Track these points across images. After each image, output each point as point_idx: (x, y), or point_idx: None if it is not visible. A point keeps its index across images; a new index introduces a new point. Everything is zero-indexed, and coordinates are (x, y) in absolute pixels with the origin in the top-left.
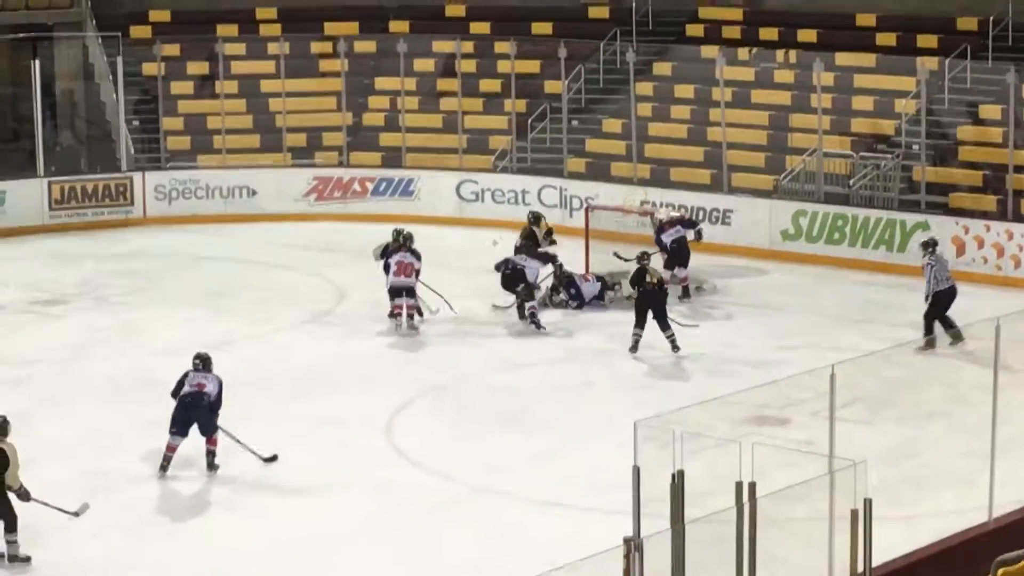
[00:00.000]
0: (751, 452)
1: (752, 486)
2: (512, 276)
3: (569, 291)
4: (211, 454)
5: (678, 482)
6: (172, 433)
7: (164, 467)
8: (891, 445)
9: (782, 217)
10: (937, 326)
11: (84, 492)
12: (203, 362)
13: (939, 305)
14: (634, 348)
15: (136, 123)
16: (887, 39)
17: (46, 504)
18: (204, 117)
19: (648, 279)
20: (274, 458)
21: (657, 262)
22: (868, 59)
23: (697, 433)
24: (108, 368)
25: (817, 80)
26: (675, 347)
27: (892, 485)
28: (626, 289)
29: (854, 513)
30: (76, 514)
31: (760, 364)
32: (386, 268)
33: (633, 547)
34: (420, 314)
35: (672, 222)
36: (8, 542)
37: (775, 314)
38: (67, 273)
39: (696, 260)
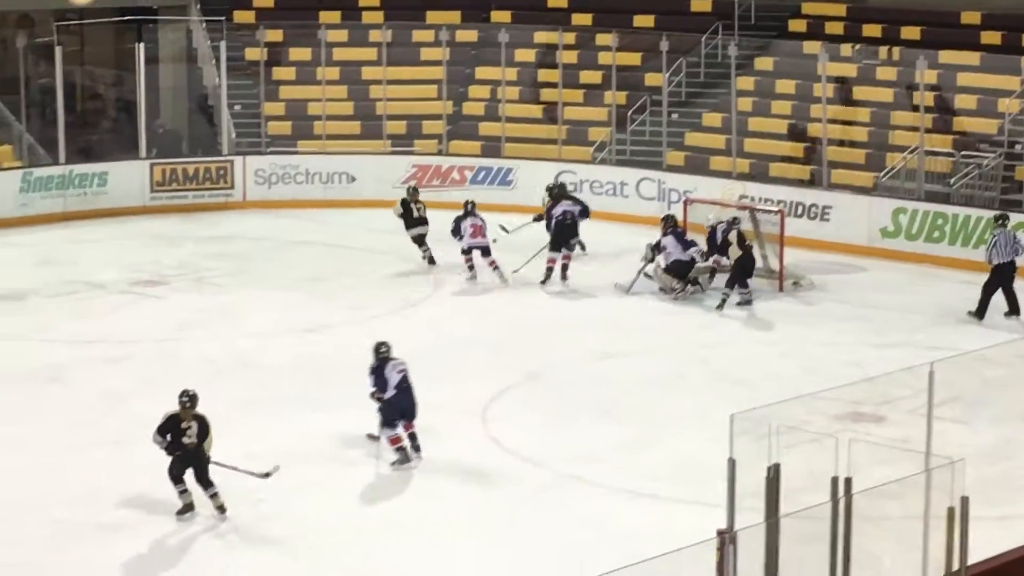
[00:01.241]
0: (847, 448)
1: (848, 482)
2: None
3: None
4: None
5: (773, 476)
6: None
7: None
8: (988, 445)
9: (881, 214)
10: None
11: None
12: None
13: (1000, 276)
14: (721, 306)
15: (238, 108)
16: (992, 37)
17: (235, 469)
18: (305, 103)
19: (747, 242)
20: (268, 475)
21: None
22: (972, 57)
23: (793, 427)
24: (205, 349)
25: (920, 78)
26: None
27: (987, 485)
28: (733, 253)
29: (950, 511)
30: (267, 475)
31: (857, 362)
32: (456, 232)
33: (727, 539)
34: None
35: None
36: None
37: (873, 311)
38: (166, 255)
39: (794, 256)
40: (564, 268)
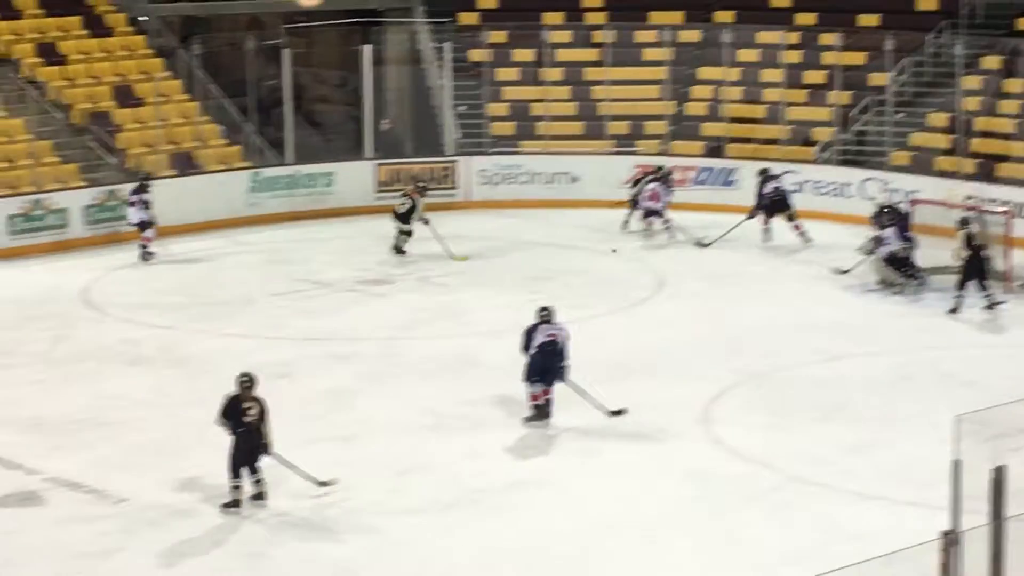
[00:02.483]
0: None
1: None
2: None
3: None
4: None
5: (999, 478)
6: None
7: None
8: None
9: None
10: None
11: (403, 469)
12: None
13: None
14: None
15: (462, 108)
16: None
17: (297, 469)
18: (528, 103)
19: (976, 242)
20: (324, 484)
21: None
22: None
23: (1021, 430)
24: (429, 348)
25: None
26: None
27: None
28: (958, 255)
29: None
30: (324, 484)
31: None
32: (634, 203)
33: (951, 541)
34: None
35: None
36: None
37: None
38: (392, 254)
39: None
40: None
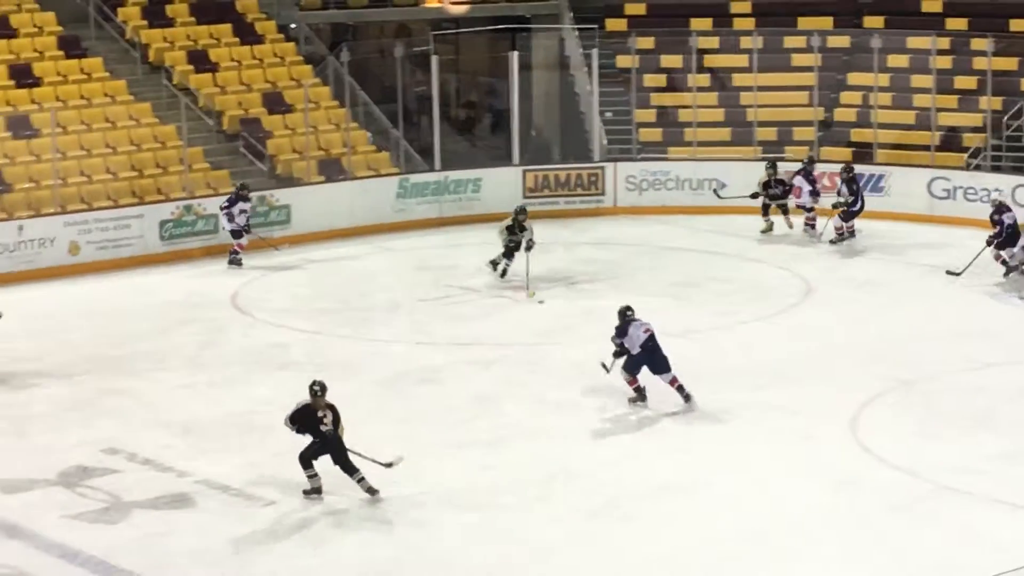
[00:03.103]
0: None
1: None
2: None
3: None
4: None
5: None
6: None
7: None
8: None
9: None
10: None
11: (548, 475)
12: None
13: None
14: None
15: (609, 114)
16: None
17: (361, 455)
18: (676, 110)
19: None
20: (391, 465)
21: None
22: None
23: None
24: (573, 354)
25: None
26: None
27: None
28: None
29: None
30: (390, 465)
31: None
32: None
33: None
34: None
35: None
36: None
37: None
38: (538, 260)
39: None
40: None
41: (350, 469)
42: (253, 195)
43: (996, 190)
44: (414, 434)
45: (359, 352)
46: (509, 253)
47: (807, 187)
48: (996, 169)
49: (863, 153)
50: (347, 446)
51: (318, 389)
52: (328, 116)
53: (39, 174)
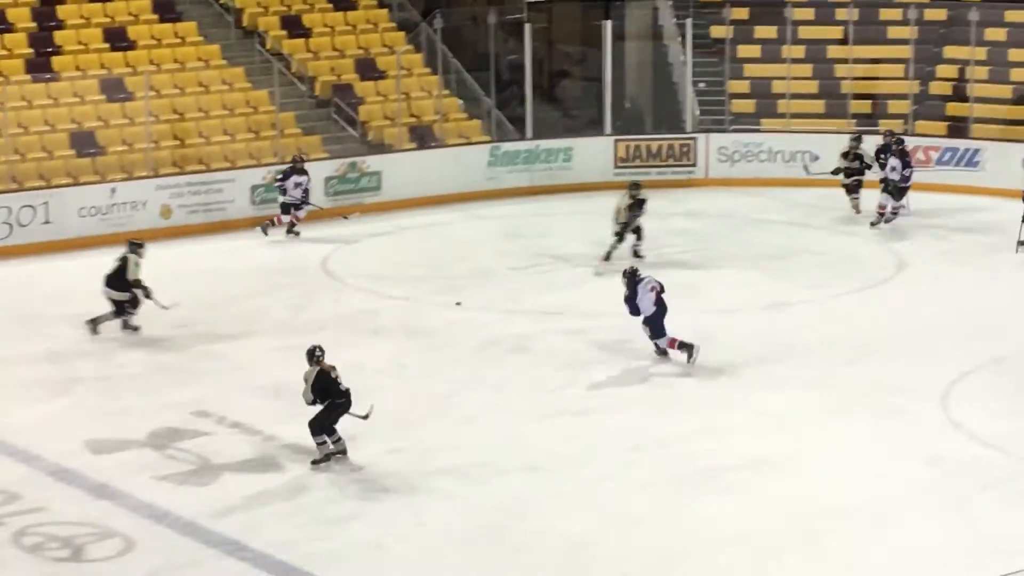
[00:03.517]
0: None
1: None
2: None
3: None
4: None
5: None
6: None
7: None
8: None
9: None
10: None
11: (636, 445)
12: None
13: None
14: None
15: (702, 85)
16: None
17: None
18: (769, 81)
19: None
20: (367, 416)
21: None
22: None
23: None
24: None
25: None
26: None
27: None
28: None
29: None
30: (365, 417)
31: None
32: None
33: None
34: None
35: None
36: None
37: None
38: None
39: None
40: None
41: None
42: (345, 161)
43: None
44: (504, 402)
45: (449, 319)
46: (622, 234)
47: (897, 164)
48: None
49: (958, 127)
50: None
51: (320, 353)
52: (420, 83)
53: (132, 137)
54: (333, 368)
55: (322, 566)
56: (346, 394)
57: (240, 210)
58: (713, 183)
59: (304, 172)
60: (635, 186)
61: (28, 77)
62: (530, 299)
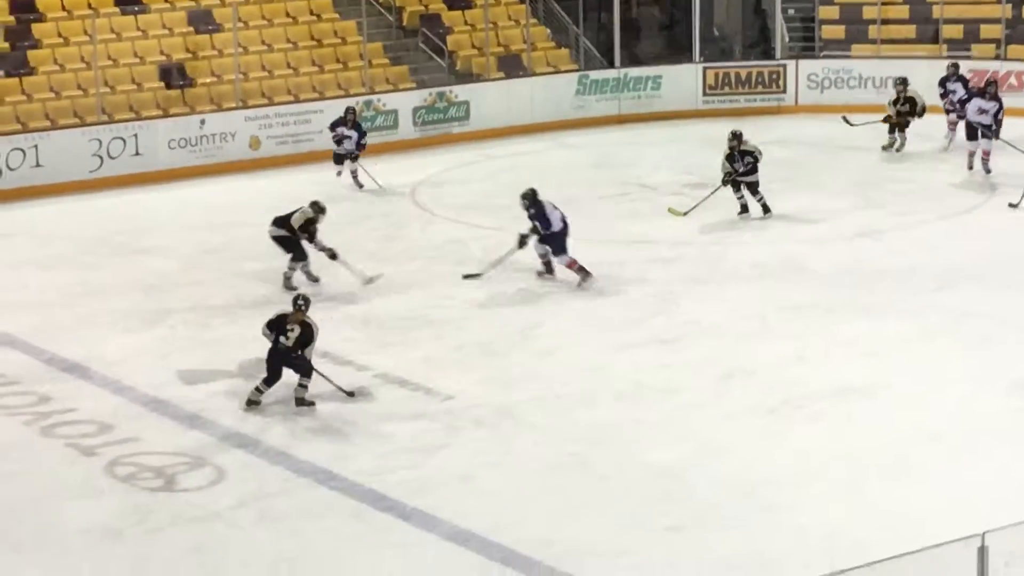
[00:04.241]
0: None
1: None
2: None
3: None
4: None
5: None
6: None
7: None
8: None
9: None
10: None
11: (726, 373)
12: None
13: None
14: None
15: (791, 11)
16: None
17: (326, 378)
18: (860, 6)
19: None
20: (352, 394)
21: None
22: None
23: None
24: (755, 253)
25: None
26: None
27: None
28: None
29: None
30: (351, 394)
31: None
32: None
33: None
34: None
35: None
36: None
37: None
38: (718, 158)
39: None
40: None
41: (306, 371)
42: (433, 91)
43: None
44: (592, 333)
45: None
46: (735, 185)
47: (961, 93)
48: None
49: None
50: (319, 370)
51: (302, 304)
52: (508, 12)
53: (221, 69)
54: (298, 325)
55: (411, 494)
56: (276, 345)
57: (328, 141)
58: (803, 110)
59: (357, 125)
60: (733, 137)
61: (117, 10)
62: (619, 228)
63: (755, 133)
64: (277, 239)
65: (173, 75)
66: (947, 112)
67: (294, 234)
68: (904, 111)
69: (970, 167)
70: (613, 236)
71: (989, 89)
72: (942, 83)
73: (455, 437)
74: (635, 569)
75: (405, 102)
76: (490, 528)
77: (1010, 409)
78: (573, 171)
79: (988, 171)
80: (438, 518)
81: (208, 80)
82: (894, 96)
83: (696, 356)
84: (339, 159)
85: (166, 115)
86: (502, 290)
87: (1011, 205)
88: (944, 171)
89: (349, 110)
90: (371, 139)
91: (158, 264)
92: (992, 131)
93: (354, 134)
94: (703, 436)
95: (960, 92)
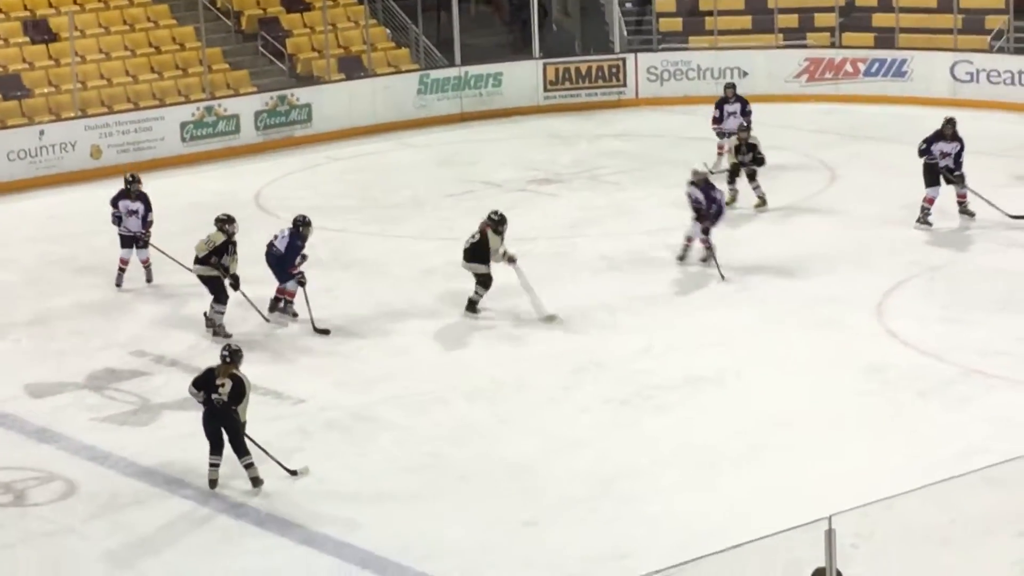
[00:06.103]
0: None
1: None
2: None
3: None
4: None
5: None
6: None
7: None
8: None
9: None
10: None
11: (577, 367)
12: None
13: None
14: None
15: (628, 5)
16: None
17: (268, 454)
18: None
19: None
20: (295, 473)
21: None
22: None
23: None
24: (602, 246)
25: None
26: None
27: None
28: None
29: None
30: (295, 473)
31: None
32: None
33: None
34: None
35: None
36: (212, 465)
37: None
38: (561, 153)
39: None
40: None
41: (241, 451)
42: (273, 95)
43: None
44: (444, 328)
45: (385, 249)
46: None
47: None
48: (1020, 51)
49: (885, 38)
50: (254, 441)
51: (227, 355)
52: (347, 13)
53: (59, 78)
54: (228, 379)
55: (265, 502)
56: (209, 404)
57: (170, 148)
58: (643, 103)
59: (140, 197)
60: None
61: None
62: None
63: (597, 127)
64: (204, 279)
65: (9, 86)
66: (719, 136)
67: (219, 269)
68: (746, 160)
69: (924, 219)
70: (459, 234)
71: (947, 130)
72: (719, 105)
73: (308, 441)
74: (493, 567)
75: (246, 106)
76: (345, 531)
77: (860, 394)
78: (418, 170)
79: (971, 214)
80: (292, 523)
81: (46, 90)
82: (736, 142)
83: (547, 350)
84: (128, 243)
85: (4, 127)
86: (346, 292)
87: (1013, 216)
88: (788, 156)
89: (128, 178)
90: (214, 144)
91: (0, 277)
92: (956, 176)
93: (140, 207)
94: (557, 430)
95: (738, 115)
